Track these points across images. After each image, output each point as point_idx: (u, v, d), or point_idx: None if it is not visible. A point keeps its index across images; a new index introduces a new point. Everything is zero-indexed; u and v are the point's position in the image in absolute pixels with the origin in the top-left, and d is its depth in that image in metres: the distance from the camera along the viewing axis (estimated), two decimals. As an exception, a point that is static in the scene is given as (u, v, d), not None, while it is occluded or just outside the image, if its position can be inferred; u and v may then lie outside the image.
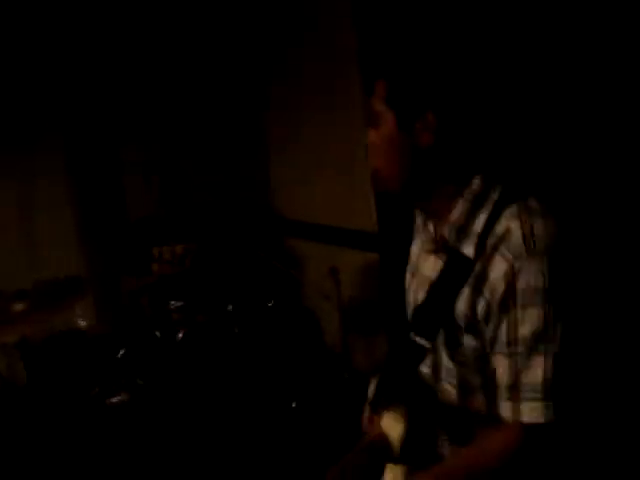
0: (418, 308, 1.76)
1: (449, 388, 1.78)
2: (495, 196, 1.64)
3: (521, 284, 1.51)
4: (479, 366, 1.68)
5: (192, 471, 3.40)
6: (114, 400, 3.63)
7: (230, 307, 3.76)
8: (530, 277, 1.50)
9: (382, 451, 1.83)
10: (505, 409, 1.59)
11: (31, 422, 3.89)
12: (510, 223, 1.56)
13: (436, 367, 1.82)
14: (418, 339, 1.70)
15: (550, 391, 1.52)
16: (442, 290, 1.66)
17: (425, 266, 1.87)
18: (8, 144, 4.64)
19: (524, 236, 1.53)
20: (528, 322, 1.51)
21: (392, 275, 4.32)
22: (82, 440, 3.60)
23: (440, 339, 1.74)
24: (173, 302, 3.76)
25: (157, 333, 3.78)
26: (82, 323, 4.29)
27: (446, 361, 1.76)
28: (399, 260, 4.22)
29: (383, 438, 1.84)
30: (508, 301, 1.53)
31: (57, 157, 4.81)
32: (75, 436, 3.64)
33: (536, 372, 1.52)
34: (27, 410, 4.02)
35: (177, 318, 3.74)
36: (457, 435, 1.79)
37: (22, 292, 3.98)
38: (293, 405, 3.70)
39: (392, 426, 1.84)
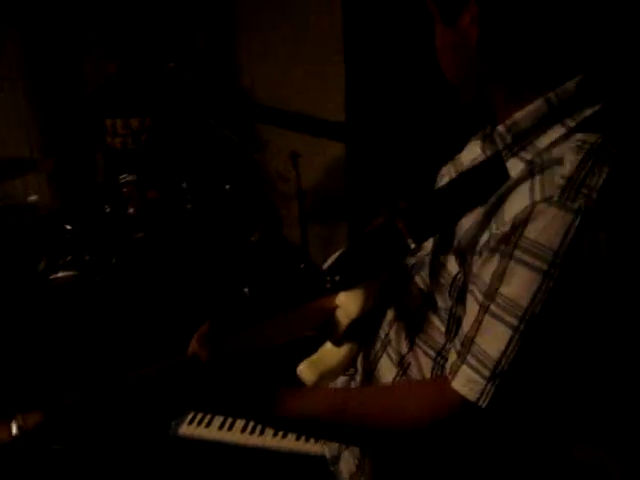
0: (422, 199, 1.32)
1: (416, 294, 1.49)
2: (589, 112, 1.22)
3: (530, 233, 1.13)
4: (451, 297, 1.35)
5: (136, 345, 3.32)
6: (60, 275, 3.51)
7: (184, 185, 3.59)
8: (545, 231, 1.12)
9: (322, 326, 1.68)
10: (448, 362, 1.30)
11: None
12: (568, 154, 1.16)
13: (410, 269, 1.54)
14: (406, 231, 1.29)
15: (498, 375, 1.18)
16: (458, 195, 1.26)
17: (465, 154, 1.55)
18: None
19: (570, 179, 1.13)
20: (515, 283, 1.15)
21: (357, 165, 4.27)
22: (26, 314, 3.51)
23: (428, 245, 1.46)
24: (124, 176, 3.59)
25: (107, 208, 3.62)
26: (33, 198, 4.14)
27: (424, 274, 1.46)
28: (364, 150, 4.15)
29: (327, 312, 1.68)
30: (506, 246, 1.17)
31: (13, 29, 4.56)
32: (19, 310, 3.55)
33: (494, 343, 1.18)
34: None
35: (128, 193, 3.58)
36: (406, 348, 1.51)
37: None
38: (245, 290, 3.60)
39: (347, 304, 1.64)
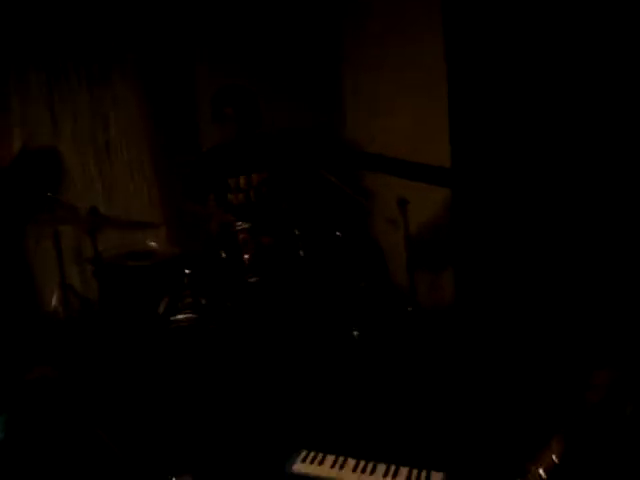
0: None
1: None
2: None
3: None
4: None
5: (249, 387, 3.45)
6: (179, 318, 3.69)
7: (297, 231, 3.73)
8: None
9: None
10: None
11: (103, 335, 4.03)
12: None
13: None
14: None
15: None
16: None
17: None
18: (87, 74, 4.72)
19: None
20: None
21: (463, 211, 4.32)
22: (148, 353, 3.71)
23: None
24: (239, 223, 3.77)
25: (223, 254, 3.80)
26: (152, 244, 4.36)
27: None
28: (471, 196, 4.20)
29: None
30: None
31: (133, 84, 4.87)
32: (142, 349, 3.75)
33: None
34: (100, 324, 4.15)
35: (243, 240, 3.75)
36: None
37: (94, 210, 4.08)
38: (355, 333, 3.70)
39: None
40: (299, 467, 2.74)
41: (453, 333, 3.98)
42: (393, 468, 2.70)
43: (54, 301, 4.54)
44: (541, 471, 2.05)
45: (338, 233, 3.83)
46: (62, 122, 4.73)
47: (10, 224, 4.51)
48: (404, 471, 2.68)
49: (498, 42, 3.85)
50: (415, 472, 2.67)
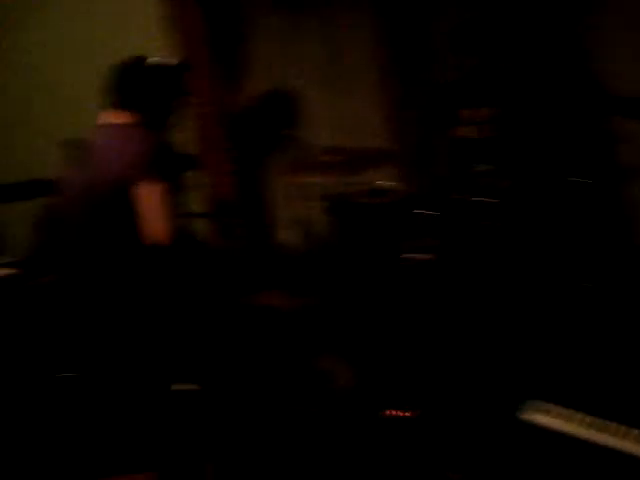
0: None
1: None
2: None
3: None
4: None
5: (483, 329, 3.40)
6: (411, 256, 3.69)
7: (538, 177, 3.57)
8: None
9: None
10: None
11: (335, 271, 4.14)
12: None
13: None
14: None
15: None
16: None
17: None
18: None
19: None
20: None
21: None
22: (378, 290, 3.76)
23: None
24: (480, 166, 3.66)
25: (456, 196, 3.72)
26: (389, 183, 4.36)
27: None
28: None
29: None
30: None
31: (367, 15, 4.85)
32: (372, 286, 3.81)
33: None
34: (332, 260, 4.27)
35: (483, 182, 3.65)
36: None
37: (329, 147, 4.16)
38: (587, 285, 3.51)
39: None
40: (532, 417, 2.68)
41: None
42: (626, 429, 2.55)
43: (288, 236, 4.72)
44: None
45: (589, 181, 3.60)
46: (299, 60, 4.82)
47: (251, 162, 4.73)
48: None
49: None
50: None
